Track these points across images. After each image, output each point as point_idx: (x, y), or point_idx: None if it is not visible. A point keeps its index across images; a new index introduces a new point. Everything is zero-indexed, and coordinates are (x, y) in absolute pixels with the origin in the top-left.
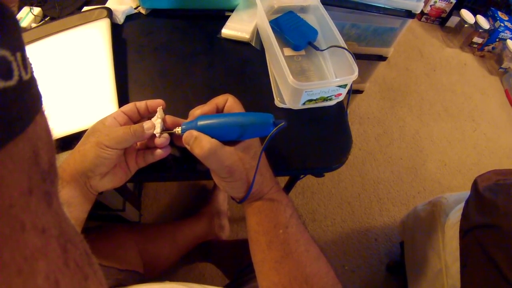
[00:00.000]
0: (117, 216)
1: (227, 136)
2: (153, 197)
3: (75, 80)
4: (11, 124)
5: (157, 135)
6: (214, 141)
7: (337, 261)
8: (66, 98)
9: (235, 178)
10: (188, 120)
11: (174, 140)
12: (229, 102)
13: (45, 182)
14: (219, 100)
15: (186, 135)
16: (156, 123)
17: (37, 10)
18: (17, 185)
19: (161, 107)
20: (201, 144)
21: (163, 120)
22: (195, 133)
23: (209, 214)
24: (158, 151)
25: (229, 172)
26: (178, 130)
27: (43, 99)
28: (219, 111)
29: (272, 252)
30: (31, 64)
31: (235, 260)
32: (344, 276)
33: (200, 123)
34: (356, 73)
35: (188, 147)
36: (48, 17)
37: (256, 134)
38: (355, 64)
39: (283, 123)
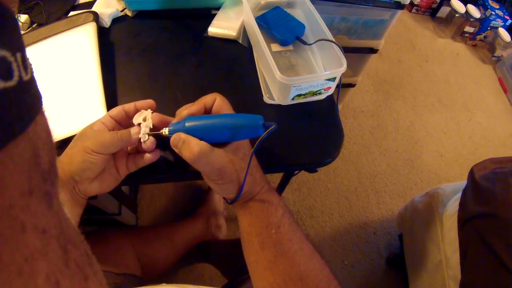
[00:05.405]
0: (113, 220)
1: (216, 138)
2: (149, 200)
3: (63, 85)
4: (11, 124)
5: (142, 139)
6: (203, 143)
7: (336, 257)
8: (54, 103)
9: (225, 180)
10: (175, 120)
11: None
12: (217, 101)
13: (45, 182)
14: (207, 99)
15: (173, 137)
16: (142, 127)
17: (24, 17)
18: (18, 186)
19: (149, 110)
20: (189, 147)
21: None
22: (183, 135)
23: (206, 214)
24: (147, 155)
25: (220, 174)
26: (165, 131)
27: (43, 99)
28: (207, 110)
29: (265, 253)
30: (31, 65)
31: (233, 259)
32: (344, 271)
33: (188, 124)
34: (345, 66)
35: (176, 150)
36: (36, 24)
37: (245, 136)
38: (343, 57)
39: (273, 126)
